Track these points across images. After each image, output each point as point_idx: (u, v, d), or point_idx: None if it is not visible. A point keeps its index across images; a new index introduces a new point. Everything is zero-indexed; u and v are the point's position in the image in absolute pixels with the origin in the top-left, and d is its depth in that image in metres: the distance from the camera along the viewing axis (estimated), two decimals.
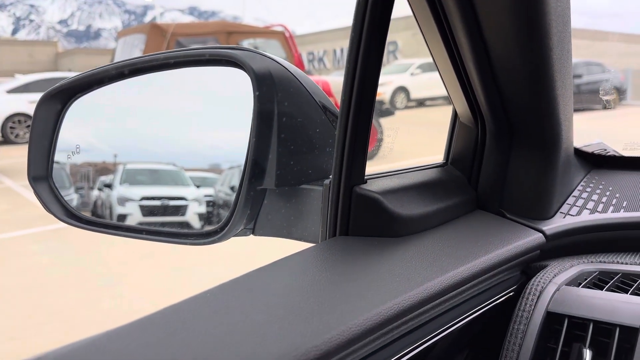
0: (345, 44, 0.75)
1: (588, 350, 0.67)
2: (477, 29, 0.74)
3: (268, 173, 0.78)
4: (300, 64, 10.75)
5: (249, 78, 0.77)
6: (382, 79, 0.73)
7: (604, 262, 0.85)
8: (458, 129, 0.95)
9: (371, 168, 0.78)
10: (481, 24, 0.73)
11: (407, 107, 16.36)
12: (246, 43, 10.66)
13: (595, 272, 0.82)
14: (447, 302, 0.66)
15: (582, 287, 0.77)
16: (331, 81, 8.97)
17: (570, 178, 0.99)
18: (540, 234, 0.84)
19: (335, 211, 0.73)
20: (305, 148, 0.81)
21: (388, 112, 9.74)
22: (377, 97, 0.73)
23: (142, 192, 1.09)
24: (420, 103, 16.52)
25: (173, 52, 0.84)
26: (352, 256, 0.68)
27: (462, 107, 0.90)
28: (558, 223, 0.88)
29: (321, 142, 0.83)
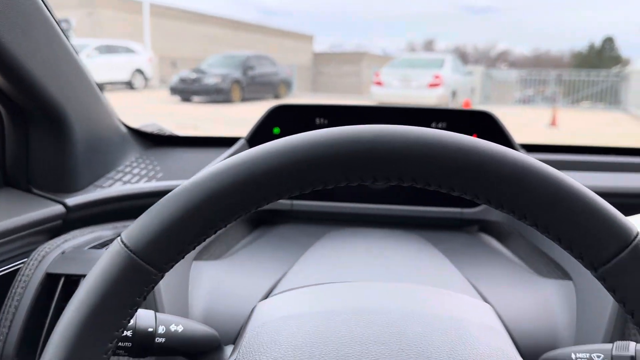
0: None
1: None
2: None
3: None
4: None
5: None
6: None
7: (125, 227, 0.97)
8: None
9: None
10: None
11: None
12: None
13: (114, 236, 0.93)
14: None
15: (90, 248, 0.87)
16: None
17: (119, 155, 1.10)
18: (61, 206, 0.92)
19: None
20: None
21: None
22: None
23: None
24: (100, 87, 15.66)
25: None
26: None
27: None
28: (83, 196, 0.97)
29: None
